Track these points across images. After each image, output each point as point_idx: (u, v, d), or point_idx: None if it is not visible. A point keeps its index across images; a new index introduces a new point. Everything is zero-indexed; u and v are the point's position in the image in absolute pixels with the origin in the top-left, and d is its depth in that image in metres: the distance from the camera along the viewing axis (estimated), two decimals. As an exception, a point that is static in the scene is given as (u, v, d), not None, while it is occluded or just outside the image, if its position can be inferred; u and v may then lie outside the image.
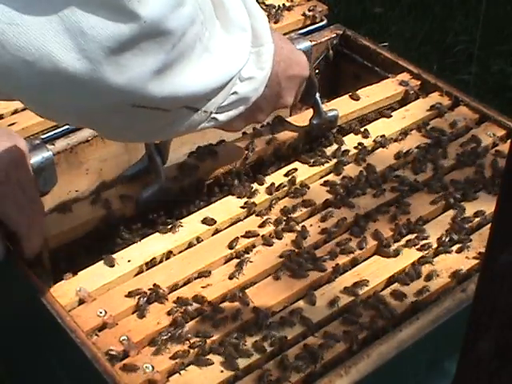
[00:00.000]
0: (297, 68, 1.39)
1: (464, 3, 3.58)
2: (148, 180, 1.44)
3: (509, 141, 1.56)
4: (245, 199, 1.42)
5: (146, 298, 1.22)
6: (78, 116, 1.02)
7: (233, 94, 1.15)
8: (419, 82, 1.70)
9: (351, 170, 1.49)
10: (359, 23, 3.38)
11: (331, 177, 1.48)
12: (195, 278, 1.28)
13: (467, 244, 1.34)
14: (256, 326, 1.19)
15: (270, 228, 1.36)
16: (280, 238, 1.35)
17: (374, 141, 1.56)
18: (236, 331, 1.19)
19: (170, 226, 1.36)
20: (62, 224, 1.37)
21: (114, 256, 1.30)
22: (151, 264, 1.30)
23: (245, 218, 1.40)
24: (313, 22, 1.90)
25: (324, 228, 1.36)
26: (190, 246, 1.34)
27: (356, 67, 1.84)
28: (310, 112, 1.58)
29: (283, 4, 1.92)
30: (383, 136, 1.57)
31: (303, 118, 1.60)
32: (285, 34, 1.80)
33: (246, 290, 1.25)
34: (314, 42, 1.77)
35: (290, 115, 1.70)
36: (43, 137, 1.55)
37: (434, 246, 1.34)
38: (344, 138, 1.57)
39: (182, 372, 1.14)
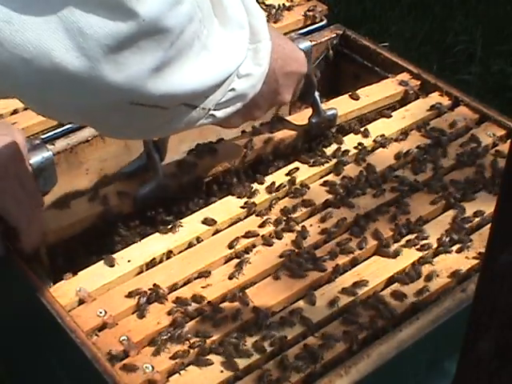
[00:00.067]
0: (294, 65, 1.39)
1: (464, 3, 3.58)
2: (146, 177, 1.44)
3: (509, 141, 1.56)
4: (245, 199, 1.42)
5: (146, 298, 1.22)
6: (76, 114, 1.02)
7: (230, 90, 1.15)
8: (419, 82, 1.70)
9: (351, 170, 1.49)
10: (359, 23, 3.38)
11: (331, 177, 1.48)
12: (195, 278, 1.28)
13: (467, 244, 1.34)
14: (256, 326, 1.19)
15: (270, 228, 1.36)
16: (280, 238, 1.35)
17: (374, 141, 1.56)
18: (236, 331, 1.19)
19: (170, 226, 1.36)
20: (60, 220, 1.37)
21: (114, 256, 1.30)
22: (151, 264, 1.30)
23: (245, 217, 1.40)
24: (313, 22, 1.90)
25: (324, 228, 1.36)
26: (190, 245, 1.34)
27: (356, 67, 1.84)
28: (309, 111, 1.58)
29: (283, 4, 1.92)
30: (383, 136, 1.57)
31: (302, 116, 1.60)
32: (285, 34, 1.80)
33: (246, 290, 1.25)
34: (314, 42, 1.77)
35: (290, 114, 1.70)
36: (43, 137, 1.55)
37: (434, 246, 1.34)
38: (344, 138, 1.57)
39: (181, 372, 1.14)
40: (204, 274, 1.28)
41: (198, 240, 1.35)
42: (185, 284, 1.27)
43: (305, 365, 1.14)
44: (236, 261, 1.30)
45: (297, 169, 1.48)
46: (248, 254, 1.32)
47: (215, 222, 1.37)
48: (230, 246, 1.32)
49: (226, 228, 1.37)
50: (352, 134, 1.58)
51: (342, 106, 1.63)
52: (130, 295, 1.23)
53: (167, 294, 1.24)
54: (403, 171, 1.50)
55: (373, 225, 1.37)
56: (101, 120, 1.04)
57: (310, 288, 1.26)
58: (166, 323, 1.20)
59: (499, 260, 0.72)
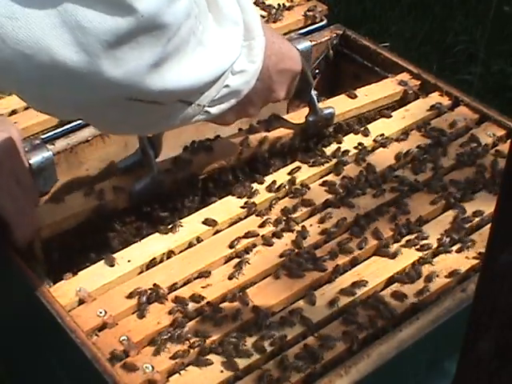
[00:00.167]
0: (289, 62, 1.40)
1: (464, 3, 3.58)
2: (141, 173, 1.44)
3: (509, 141, 1.56)
4: (245, 199, 1.42)
5: (146, 298, 1.23)
6: (75, 109, 1.03)
7: (225, 87, 1.16)
8: (419, 82, 1.70)
9: (351, 170, 1.49)
10: (359, 23, 3.38)
11: (331, 177, 1.48)
12: (195, 278, 1.28)
13: (467, 244, 1.34)
14: (256, 325, 1.19)
15: (270, 228, 1.36)
16: (280, 238, 1.35)
17: (374, 141, 1.56)
18: (236, 331, 1.19)
19: (170, 226, 1.36)
20: (55, 214, 1.37)
21: (114, 256, 1.30)
22: (151, 264, 1.30)
23: (245, 217, 1.40)
24: (313, 22, 1.90)
25: (324, 228, 1.36)
26: (190, 245, 1.34)
27: (356, 67, 1.84)
28: (306, 109, 1.58)
29: (283, 4, 1.92)
30: (383, 136, 1.57)
31: (300, 115, 1.60)
32: (285, 34, 1.80)
33: (246, 290, 1.25)
34: (314, 42, 1.77)
35: (287, 113, 1.70)
36: (43, 137, 1.55)
37: (434, 246, 1.34)
38: (344, 138, 1.57)
39: (181, 372, 1.14)
40: (204, 273, 1.28)
41: (198, 240, 1.35)
42: (185, 284, 1.27)
43: (305, 365, 1.14)
44: (236, 261, 1.30)
45: (298, 168, 1.48)
46: (248, 254, 1.32)
47: (215, 222, 1.37)
48: (230, 246, 1.32)
49: (226, 228, 1.37)
50: (352, 134, 1.58)
51: (340, 105, 1.63)
52: (130, 295, 1.23)
53: (167, 294, 1.24)
54: (403, 171, 1.50)
55: (373, 225, 1.37)
56: (98, 115, 1.05)
57: (309, 288, 1.26)
58: (166, 323, 1.20)
59: (499, 260, 0.73)
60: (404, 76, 1.72)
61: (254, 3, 1.93)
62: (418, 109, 1.64)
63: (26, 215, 1.28)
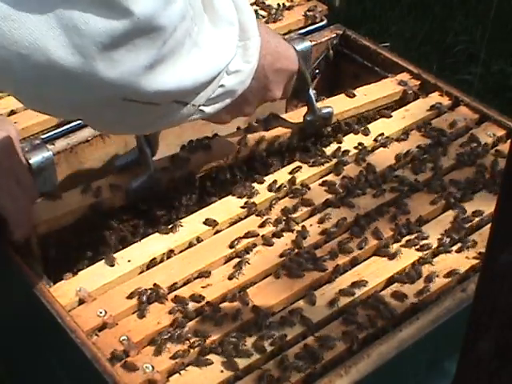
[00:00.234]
0: (285, 62, 1.40)
1: (464, 3, 3.58)
2: (138, 171, 1.44)
3: (509, 141, 1.56)
4: (245, 199, 1.42)
5: (146, 298, 1.23)
6: (71, 109, 1.03)
7: (220, 86, 1.17)
8: (419, 82, 1.70)
9: (351, 170, 1.49)
10: (359, 23, 3.38)
11: (331, 177, 1.48)
12: (195, 278, 1.28)
13: (467, 244, 1.34)
14: (256, 325, 1.19)
15: (270, 228, 1.36)
16: (280, 238, 1.35)
17: (374, 140, 1.56)
18: (236, 331, 1.19)
19: (170, 226, 1.36)
20: (52, 210, 1.37)
21: (115, 256, 1.30)
22: (151, 264, 1.30)
23: (245, 217, 1.40)
24: (313, 22, 1.90)
25: (324, 228, 1.36)
26: (191, 245, 1.34)
27: (356, 67, 1.84)
28: (305, 109, 1.58)
29: (283, 4, 1.92)
30: (383, 136, 1.57)
31: (298, 114, 1.60)
32: (285, 34, 1.81)
33: (246, 290, 1.25)
34: (314, 42, 1.77)
35: (286, 112, 1.70)
36: (43, 137, 1.55)
37: (434, 245, 1.34)
38: (344, 138, 1.57)
39: (182, 372, 1.14)
40: (204, 273, 1.28)
41: (198, 240, 1.35)
42: (185, 284, 1.27)
43: (305, 365, 1.14)
44: (236, 261, 1.30)
45: (298, 168, 1.48)
46: (248, 253, 1.32)
47: (215, 222, 1.37)
48: (230, 246, 1.32)
49: (226, 228, 1.37)
50: (352, 134, 1.58)
51: (338, 105, 1.63)
52: (130, 295, 1.23)
53: (167, 294, 1.24)
54: (403, 171, 1.50)
55: (373, 225, 1.37)
56: (94, 115, 1.06)
57: (310, 288, 1.26)
58: (166, 323, 1.20)
59: (499, 260, 0.73)
60: (404, 76, 1.72)
61: (254, 3, 1.93)
62: (417, 109, 1.64)
63: (26, 214, 1.28)
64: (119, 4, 0.88)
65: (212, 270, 1.29)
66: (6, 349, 1.60)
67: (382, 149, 1.55)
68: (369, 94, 1.67)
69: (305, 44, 1.59)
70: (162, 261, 1.31)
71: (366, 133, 1.57)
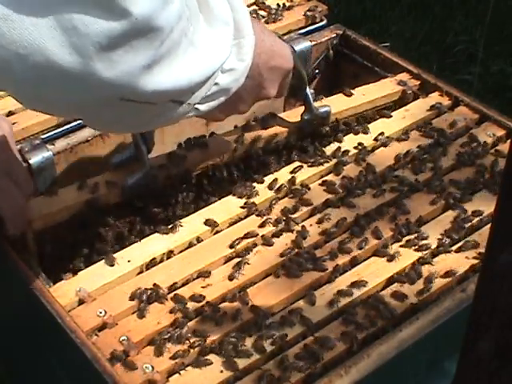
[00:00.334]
0: (279, 60, 1.40)
1: (464, 3, 3.58)
2: (134, 168, 1.44)
3: (509, 141, 1.56)
4: (245, 199, 1.42)
5: (146, 298, 1.22)
6: (69, 109, 1.04)
7: (214, 85, 1.17)
8: (419, 82, 1.70)
9: (351, 170, 1.49)
10: (359, 23, 3.38)
11: (331, 177, 1.48)
12: (195, 278, 1.28)
13: (467, 244, 1.34)
14: (256, 326, 1.19)
15: (269, 228, 1.36)
16: (280, 238, 1.35)
17: (374, 140, 1.56)
18: (236, 331, 1.19)
19: (170, 226, 1.36)
20: (48, 206, 1.37)
21: (114, 256, 1.30)
22: (151, 264, 1.30)
23: (245, 217, 1.40)
24: (313, 22, 1.90)
25: (324, 228, 1.36)
26: (190, 245, 1.34)
27: (356, 67, 1.84)
28: (303, 108, 1.58)
29: (283, 4, 1.92)
30: (383, 136, 1.57)
31: (295, 113, 1.60)
32: (285, 34, 1.81)
33: (246, 290, 1.25)
34: (314, 42, 1.77)
35: (284, 111, 1.70)
36: (43, 137, 1.55)
37: (434, 246, 1.34)
38: (344, 138, 1.57)
39: (181, 372, 1.14)
40: (204, 273, 1.28)
41: (198, 240, 1.35)
42: (185, 284, 1.27)
43: (305, 365, 1.14)
44: (236, 261, 1.30)
45: (299, 168, 1.48)
46: (248, 254, 1.32)
47: (215, 222, 1.37)
48: (230, 246, 1.32)
49: (226, 228, 1.37)
50: (352, 134, 1.58)
51: (337, 104, 1.63)
52: (130, 295, 1.23)
53: (167, 294, 1.24)
54: (403, 171, 1.50)
55: (373, 225, 1.37)
56: (93, 115, 1.07)
57: (310, 288, 1.26)
58: (166, 323, 1.20)
59: (499, 260, 0.73)
60: (404, 76, 1.72)
61: (254, 3, 1.93)
62: (418, 109, 1.64)
63: (20, 209, 1.28)
64: (118, 5, 0.89)
65: (212, 270, 1.29)
66: (6, 349, 1.60)
67: (381, 149, 1.55)
68: (367, 94, 1.67)
69: (305, 44, 1.59)
70: (161, 261, 1.31)
71: (366, 133, 1.57)
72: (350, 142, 1.56)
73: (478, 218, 1.39)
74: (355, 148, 1.54)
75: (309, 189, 1.44)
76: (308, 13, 1.89)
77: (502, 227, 0.72)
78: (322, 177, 1.48)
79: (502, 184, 0.73)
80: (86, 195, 1.40)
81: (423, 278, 1.28)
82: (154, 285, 1.25)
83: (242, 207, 1.40)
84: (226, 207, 1.41)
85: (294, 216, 1.39)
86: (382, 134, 1.57)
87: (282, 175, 1.47)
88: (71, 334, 1.16)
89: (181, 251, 1.33)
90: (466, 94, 1.67)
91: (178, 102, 1.10)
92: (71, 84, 0.94)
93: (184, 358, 1.15)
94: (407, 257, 1.32)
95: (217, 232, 1.37)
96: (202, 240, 1.35)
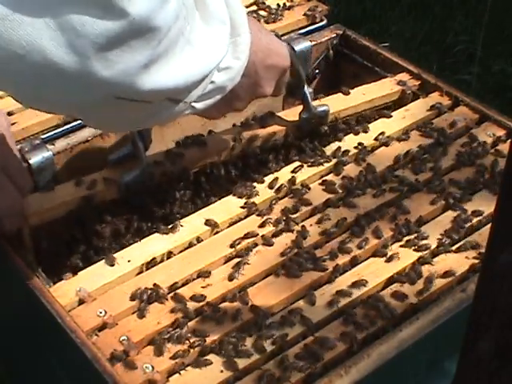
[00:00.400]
0: (276, 58, 1.40)
1: (464, 3, 3.58)
2: (132, 165, 1.44)
3: (509, 141, 1.56)
4: (245, 199, 1.42)
5: (146, 298, 1.22)
6: (68, 108, 1.05)
7: (210, 83, 1.18)
8: (419, 82, 1.70)
9: (351, 170, 1.49)
10: (359, 23, 3.38)
11: (331, 177, 1.48)
12: (195, 278, 1.28)
13: (467, 244, 1.34)
14: (256, 325, 1.19)
15: (270, 228, 1.36)
16: (280, 238, 1.35)
17: (375, 140, 1.56)
18: (236, 331, 1.19)
19: (170, 226, 1.36)
20: (45, 202, 1.37)
21: (115, 255, 1.30)
22: (151, 264, 1.30)
23: (245, 217, 1.40)
24: (313, 22, 1.90)
25: (324, 228, 1.36)
26: (190, 245, 1.34)
27: (356, 67, 1.84)
28: (301, 107, 1.58)
29: (283, 4, 1.92)
30: (383, 136, 1.57)
31: (294, 112, 1.60)
32: (285, 34, 1.81)
33: (246, 290, 1.25)
34: (314, 42, 1.77)
35: (283, 110, 1.70)
36: (43, 137, 1.55)
37: (434, 245, 1.34)
38: (344, 138, 1.57)
39: (181, 372, 1.14)
40: (204, 273, 1.28)
41: (198, 240, 1.35)
42: (185, 284, 1.27)
43: (305, 365, 1.14)
44: (236, 261, 1.30)
45: (299, 167, 1.48)
46: (248, 254, 1.32)
47: (215, 222, 1.37)
48: (230, 246, 1.32)
49: (226, 228, 1.37)
50: (352, 134, 1.58)
51: (336, 104, 1.63)
52: (130, 295, 1.23)
53: (167, 294, 1.24)
54: (403, 171, 1.50)
55: (373, 225, 1.37)
56: (91, 114, 1.07)
57: (310, 288, 1.26)
58: (166, 323, 1.20)
59: (499, 260, 0.73)
60: (404, 76, 1.72)
61: (254, 3, 1.93)
62: (418, 109, 1.64)
63: (16, 205, 1.28)
64: (115, 5, 0.89)
65: (212, 270, 1.29)
66: (6, 349, 1.60)
67: (381, 149, 1.55)
68: (367, 94, 1.67)
69: (305, 44, 1.59)
70: (161, 261, 1.31)
71: (366, 133, 1.57)
72: (350, 142, 1.56)
73: (477, 218, 1.39)
74: (355, 148, 1.54)
75: (309, 189, 1.45)
76: (308, 13, 1.89)
77: (502, 227, 0.72)
78: (322, 177, 1.48)
79: (502, 184, 0.73)
80: (83, 191, 1.40)
81: (423, 278, 1.28)
82: (154, 285, 1.25)
83: (242, 207, 1.40)
84: (226, 207, 1.41)
85: (294, 216, 1.39)
86: (382, 133, 1.57)
87: (282, 175, 1.47)
88: (71, 334, 1.16)
89: (181, 251, 1.33)
90: (466, 94, 1.67)
91: (174, 101, 1.10)
92: (69, 83, 0.94)
93: (184, 358, 1.15)
94: (407, 257, 1.32)
95: (217, 232, 1.37)
96: (202, 240, 1.35)
